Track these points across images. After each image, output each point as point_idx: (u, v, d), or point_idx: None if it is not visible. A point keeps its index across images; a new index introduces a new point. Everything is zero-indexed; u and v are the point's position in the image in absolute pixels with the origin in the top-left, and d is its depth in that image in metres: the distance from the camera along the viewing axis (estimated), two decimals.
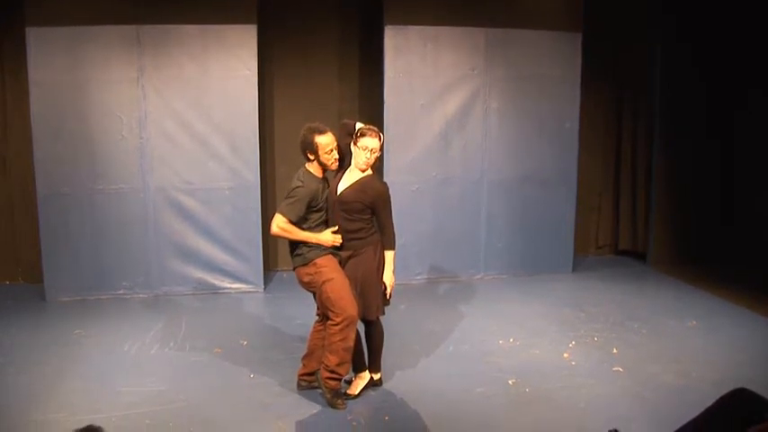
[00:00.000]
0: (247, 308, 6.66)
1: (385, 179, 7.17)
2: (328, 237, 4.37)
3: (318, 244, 4.37)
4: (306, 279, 4.44)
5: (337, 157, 4.44)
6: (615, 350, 5.44)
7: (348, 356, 4.40)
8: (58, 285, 6.74)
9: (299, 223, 4.35)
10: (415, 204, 7.25)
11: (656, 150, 7.94)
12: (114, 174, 6.72)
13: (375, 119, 7.22)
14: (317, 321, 4.67)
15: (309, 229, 4.38)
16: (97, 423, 1.99)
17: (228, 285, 7.07)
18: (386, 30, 7.01)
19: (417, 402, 4.54)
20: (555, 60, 7.40)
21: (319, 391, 4.52)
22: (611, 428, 3.60)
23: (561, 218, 7.67)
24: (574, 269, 7.83)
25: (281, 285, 7.31)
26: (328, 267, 4.35)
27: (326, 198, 4.45)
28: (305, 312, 5.91)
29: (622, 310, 6.47)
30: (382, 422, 4.28)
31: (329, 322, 4.35)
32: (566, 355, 5.37)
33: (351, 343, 4.37)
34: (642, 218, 8.31)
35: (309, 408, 4.46)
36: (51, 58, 6.46)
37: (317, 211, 4.42)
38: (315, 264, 4.37)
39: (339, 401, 4.45)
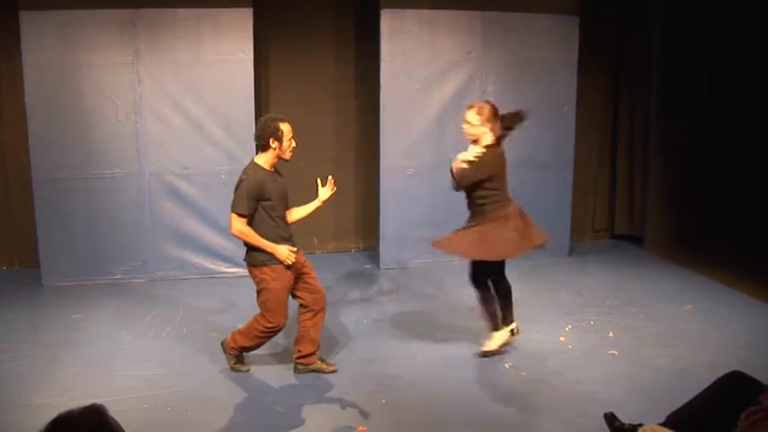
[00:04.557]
0: (244, 292, 6.64)
1: (381, 163, 7.20)
2: (284, 252, 4.41)
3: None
4: (252, 275, 4.54)
5: (294, 145, 4.50)
6: (611, 334, 5.46)
7: (256, 346, 4.69)
8: (54, 270, 6.73)
9: (264, 219, 4.39)
10: (411, 188, 7.23)
11: (653, 134, 7.91)
12: (110, 158, 6.69)
13: (371, 102, 7.20)
14: (300, 306, 4.72)
15: (275, 223, 4.43)
16: None
17: (225, 269, 7.05)
18: (382, 13, 6.95)
19: (414, 386, 4.56)
20: (552, 44, 7.35)
21: (314, 373, 4.59)
22: (606, 412, 3.61)
23: (558, 202, 7.64)
24: (570, 253, 7.83)
25: None
26: (271, 276, 4.43)
27: (279, 192, 4.45)
28: None
29: (619, 293, 6.49)
30: (379, 405, 4.29)
31: (261, 318, 4.52)
32: (562, 338, 5.39)
33: (264, 342, 4.66)
34: (639, 202, 8.30)
35: (307, 391, 4.49)
36: (45, 42, 6.41)
37: (270, 204, 4.40)
38: (262, 270, 4.44)
39: (241, 365, 4.75)
